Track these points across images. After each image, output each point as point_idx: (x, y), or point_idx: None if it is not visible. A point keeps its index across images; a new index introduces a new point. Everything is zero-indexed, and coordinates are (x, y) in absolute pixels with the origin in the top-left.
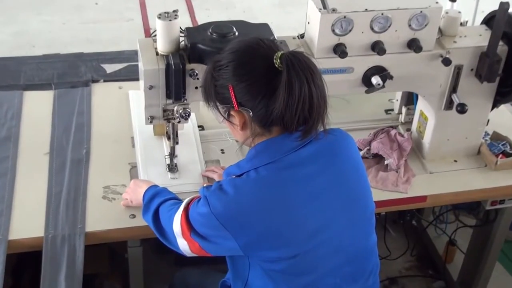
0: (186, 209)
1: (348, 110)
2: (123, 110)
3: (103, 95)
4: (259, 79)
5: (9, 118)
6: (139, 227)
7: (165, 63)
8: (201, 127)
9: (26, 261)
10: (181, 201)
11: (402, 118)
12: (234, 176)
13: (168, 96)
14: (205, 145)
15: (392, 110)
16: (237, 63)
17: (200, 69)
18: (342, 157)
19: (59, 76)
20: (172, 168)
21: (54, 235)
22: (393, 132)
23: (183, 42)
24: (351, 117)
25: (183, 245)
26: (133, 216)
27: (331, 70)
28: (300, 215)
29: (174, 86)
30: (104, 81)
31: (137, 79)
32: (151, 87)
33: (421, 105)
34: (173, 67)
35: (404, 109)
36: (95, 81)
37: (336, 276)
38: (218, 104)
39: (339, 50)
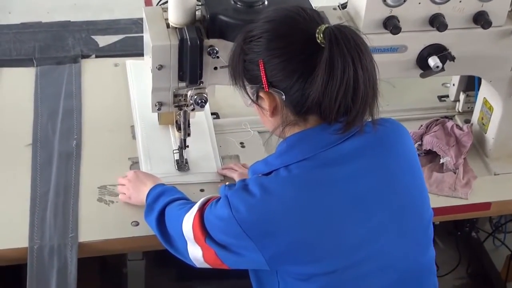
0: (201, 210)
1: (394, 96)
2: (120, 92)
3: (95, 73)
4: (296, 55)
5: None
6: (143, 237)
7: (179, 38)
8: (215, 115)
9: (6, 277)
10: (192, 202)
11: (459, 106)
12: (261, 175)
13: (181, 78)
14: (221, 137)
15: (447, 96)
16: (273, 35)
17: (221, 45)
18: (394, 153)
19: (41, 49)
20: (182, 165)
21: (40, 245)
22: (449, 124)
23: (199, 12)
24: (397, 105)
25: (195, 253)
26: (136, 223)
27: (379, 49)
28: (340, 223)
29: (190, 66)
30: (96, 56)
31: (136, 55)
32: (160, 67)
33: (485, 92)
34: (189, 43)
35: (462, 96)
36: (85, 56)
37: None
38: (246, 83)
39: (391, 25)
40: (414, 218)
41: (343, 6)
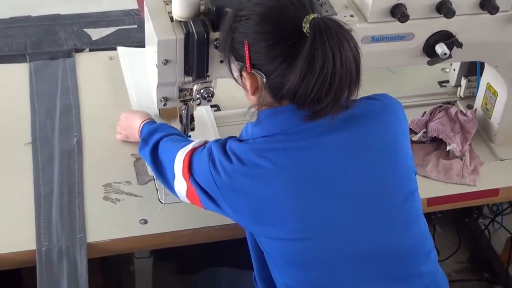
0: (193, 151)
1: (394, 82)
2: (117, 86)
3: (90, 67)
4: (281, 42)
5: None
6: (153, 235)
7: (184, 32)
8: (216, 107)
9: (5, 279)
10: (186, 139)
11: (461, 92)
12: (239, 140)
13: (187, 72)
14: (222, 129)
15: (447, 82)
16: (261, 18)
17: None
18: (370, 129)
19: (33, 44)
20: None
21: (48, 247)
22: (453, 110)
23: (203, 6)
24: (398, 92)
25: (180, 187)
26: (144, 221)
27: (386, 37)
28: (297, 193)
29: (196, 60)
30: (90, 50)
31: (131, 47)
32: (166, 62)
33: (489, 77)
34: (196, 36)
35: (464, 81)
36: (79, 50)
37: (359, 281)
38: (232, 59)
39: (399, 13)
40: (379, 200)
41: None
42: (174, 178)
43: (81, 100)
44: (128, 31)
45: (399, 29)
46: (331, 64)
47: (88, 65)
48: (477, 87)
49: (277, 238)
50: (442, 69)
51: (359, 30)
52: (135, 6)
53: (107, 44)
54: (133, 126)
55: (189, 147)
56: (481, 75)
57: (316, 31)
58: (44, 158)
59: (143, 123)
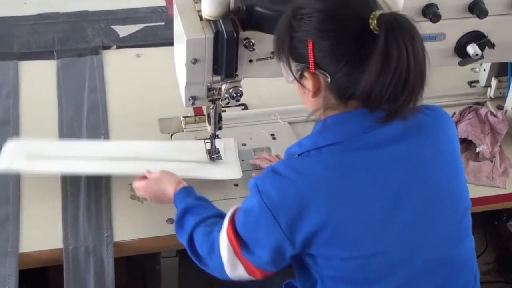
0: (232, 221)
1: None
2: (145, 84)
3: (117, 65)
4: (347, 39)
5: (4, 96)
6: None
7: (214, 31)
8: (243, 106)
9: (32, 277)
10: (218, 213)
11: (491, 92)
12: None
13: (215, 72)
14: (251, 129)
15: (477, 82)
16: (325, 15)
17: (257, 38)
18: (430, 142)
19: (61, 41)
20: (214, 155)
21: (75, 246)
22: (483, 111)
23: (232, 4)
24: (427, 92)
25: (236, 271)
26: (171, 221)
27: None
28: (367, 209)
29: (226, 59)
30: (117, 47)
31: (158, 45)
32: (195, 61)
33: None
34: (225, 36)
35: (494, 82)
36: (106, 47)
37: None
38: (291, 60)
39: (431, 12)
40: (447, 209)
41: None
42: (223, 266)
43: (108, 97)
44: (155, 28)
45: (430, 29)
46: (405, 60)
47: (115, 62)
48: (508, 87)
49: (349, 258)
50: (472, 69)
51: None
52: (162, 3)
53: (135, 41)
54: (164, 194)
55: (225, 224)
56: None
57: (389, 27)
58: None
59: (175, 192)
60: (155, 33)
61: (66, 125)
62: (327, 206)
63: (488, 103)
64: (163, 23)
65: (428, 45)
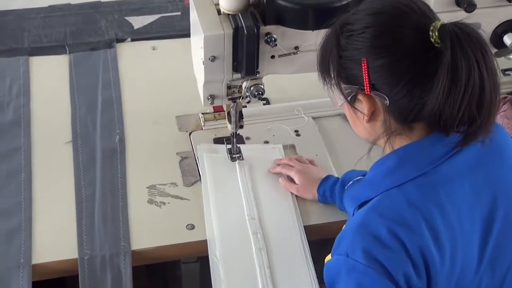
0: None
1: None
2: (161, 79)
3: (132, 59)
4: (406, 55)
5: (15, 95)
6: (199, 242)
7: (233, 26)
8: (265, 100)
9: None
10: None
11: None
12: (364, 202)
13: (235, 69)
14: (273, 125)
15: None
16: (379, 30)
17: (278, 32)
18: (507, 162)
19: (73, 35)
20: (235, 155)
21: (91, 256)
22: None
23: None
24: None
25: None
26: (191, 226)
27: None
28: (463, 243)
29: (246, 56)
30: (132, 40)
31: (174, 36)
32: (213, 59)
33: None
34: (245, 31)
35: None
36: (120, 40)
37: None
38: (340, 82)
39: (465, 2)
40: None
41: None
42: None
43: (123, 94)
44: (171, 19)
45: (465, 19)
46: (477, 75)
47: (130, 56)
48: None
49: None
50: (506, 56)
51: None
52: None
53: (150, 33)
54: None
55: None
56: None
57: (454, 38)
58: (85, 158)
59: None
60: (171, 24)
61: (79, 125)
62: (424, 250)
63: None
64: (179, 13)
65: None
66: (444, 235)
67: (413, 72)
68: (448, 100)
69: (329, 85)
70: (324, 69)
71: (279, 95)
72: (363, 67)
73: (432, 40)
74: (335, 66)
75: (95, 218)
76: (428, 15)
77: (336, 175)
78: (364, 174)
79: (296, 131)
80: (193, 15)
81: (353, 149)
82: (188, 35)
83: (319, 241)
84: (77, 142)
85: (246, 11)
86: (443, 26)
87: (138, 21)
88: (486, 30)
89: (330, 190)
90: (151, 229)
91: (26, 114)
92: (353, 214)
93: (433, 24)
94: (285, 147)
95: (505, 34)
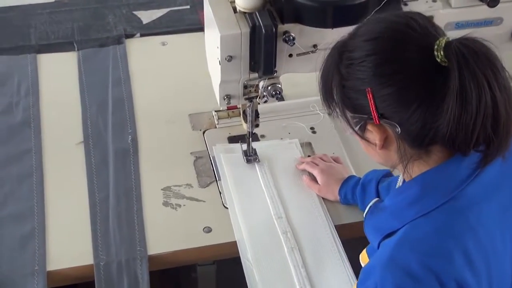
0: None
1: None
2: (172, 75)
3: (142, 55)
4: (413, 81)
5: (23, 95)
6: (217, 245)
7: (250, 25)
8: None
9: None
10: None
11: None
12: (389, 233)
13: (252, 68)
14: (288, 122)
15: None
16: (381, 58)
17: (296, 30)
18: None
19: (81, 30)
20: (251, 156)
21: (107, 261)
22: None
23: None
24: None
25: None
26: (208, 229)
27: (472, 23)
28: (497, 262)
29: (264, 55)
30: (141, 35)
31: (184, 31)
32: (230, 58)
33: None
34: (263, 30)
35: None
36: (129, 35)
37: None
38: (346, 112)
39: None
40: None
41: None
42: None
43: (134, 92)
44: (181, 13)
45: (486, 14)
46: (489, 96)
47: (139, 52)
48: None
49: None
50: None
51: (441, 16)
52: None
53: (159, 28)
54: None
55: None
56: None
57: (460, 59)
58: (98, 159)
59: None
60: (181, 18)
61: (90, 125)
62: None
63: None
64: (188, 7)
65: (483, 31)
66: (478, 259)
67: (422, 97)
68: (459, 125)
69: (335, 114)
70: (328, 97)
71: (293, 90)
72: (369, 98)
73: (438, 59)
74: (339, 95)
75: (110, 222)
76: (430, 31)
77: (354, 173)
78: (387, 173)
79: (312, 128)
80: (208, 12)
81: None
82: (198, 29)
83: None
84: (89, 143)
85: (263, 9)
86: (448, 44)
87: (146, 16)
88: (508, 25)
89: (351, 192)
90: (167, 233)
91: (36, 115)
92: (378, 246)
93: (437, 42)
94: (301, 145)
95: None
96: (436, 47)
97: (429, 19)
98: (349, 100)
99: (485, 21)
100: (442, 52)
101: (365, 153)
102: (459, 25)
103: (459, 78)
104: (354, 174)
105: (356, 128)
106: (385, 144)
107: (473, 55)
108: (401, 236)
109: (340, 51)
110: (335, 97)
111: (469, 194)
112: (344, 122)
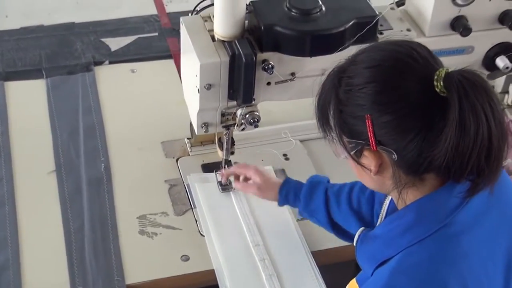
0: None
1: None
2: (142, 102)
3: (111, 82)
4: (412, 110)
5: None
6: (195, 274)
7: (229, 54)
8: None
9: None
10: None
11: (509, 99)
12: (383, 261)
13: (231, 96)
14: (261, 149)
15: (493, 87)
16: (381, 85)
17: (275, 59)
18: (510, 200)
19: (48, 58)
20: (226, 185)
21: None
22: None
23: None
24: None
25: None
26: (186, 257)
27: (445, 52)
28: None
29: (243, 84)
30: (110, 62)
31: (153, 58)
32: (209, 87)
33: None
34: (244, 59)
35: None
36: (98, 63)
37: None
38: (342, 136)
39: (461, 26)
40: None
41: (399, 3)
42: None
43: (105, 119)
44: (149, 40)
45: (459, 43)
46: (486, 128)
47: (109, 79)
48: None
49: None
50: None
51: None
52: (154, 11)
53: (128, 56)
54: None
55: None
56: None
57: (461, 90)
58: (71, 188)
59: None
60: (149, 45)
61: (62, 153)
62: None
63: (506, 110)
64: (156, 34)
65: (454, 60)
66: (473, 285)
67: (421, 126)
68: (456, 155)
69: (330, 138)
70: (324, 122)
71: (265, 117)
72: (368, 124)
73: (437, 90)
74: (336, 120)
75: (86, 252)
76: (430, 62)
77: None
78: (328, 180)
79: (284, 154)
80: (185, 40)
81: (343, 172)
82: (166, 56)
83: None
84: (61, 171)
85: (241, 38)
86: (448, 75)
87: (115, 43)
88: (479, 53)
89: (293, 193)
90: (144, 262)
91: (6, 143)
92: (372, 274)
93: (437, 72)
94: (275, 172)
95: (497, 57)
96: (436, 77)
97: (429, 49)
98: (347, 125)
99: (457, 49)
100: (441, 83)
101: (339, 180)
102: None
103: (459, 109)
104: None
105: (354, 153)
106: (380, 170)
107: (472, 87)
108: (396, 264)
109: (339, 76)
110: (331, 121)
111: (460, 221)
112: (340, 147)
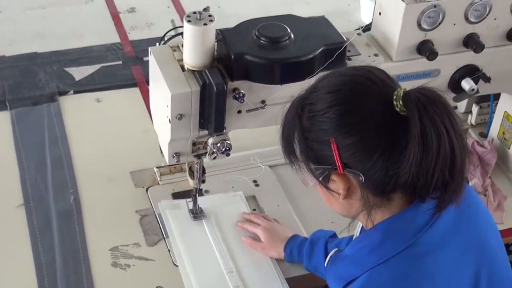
0: None
1: None
2: (110, 132)
3: (77, 112)
4: (375, 130)
5: None
6: None
7: (200, 83)
8: None
9: None
10: None
11: (472, 119)
12: (350, 281)
13: (202, 126)
14: (231, 176)
15: (456, 108)
16: (343, 109)
17: (245, 87)
18: (479, 220)
19: (12, 89)
20: (197, 214)
21: None
22: (468, 141)
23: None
24: None
25: None
26: None
27: (412, 75)
28: None
29: (215, 113)
30: (75, 92)
31: (117, 87)
32: (180, 117)
33: (506, 106)
34: (215, 88)
35: (475, 108)
36: (63, 93)
37: None
38: (309, 163)
39: (427, 50)
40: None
41: (365, 28)
42: None
43: (72, 150)
44: (113, 69)
45: (425, 66)
46: (447, 142)
47: (74, 109)
48: (491, 115)
49: None
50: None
51: (384, 69)
52: (117, 39)
53: (92, 85)
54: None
55: None
56: (494, 102)
57: (420, 107)
58: (40, 221)
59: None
60: (113, 73)
61: (30, 186)
62: None
63: (470, 130)
64: (120, 62)
65: (422, 83)
66: None
67: (385, 145)
68: (420, 170)
69: (297, 167)
70: (289, 151)
71: (234, 144)
72: (333, 148)
73: (397, 109)
74: (302, 148)
75: (58, 285)
76: (388, 83)
77: (299, 224)
78: (333, 234)
79: (254, 181)
80: (155, 71)
81: (313, 196)
82: (131, 85)
83: None
84: (30, 204)
85: (212, 67)
86: (407, 93)
87: (78, 72)
88: (445, 76)
89: (297, 249)
90: None
91: None
92: None
93: (396, 92)
94: (246, 198)
95: (462, 79)
96: (395, 97)
97: (385, 72)
98: (313, 152)
99: (424, 73)
100: (401, 102)
101: (309, 204)
102: (400, 78)
103: (420, 125)
104: (300, 225)
105: (322, 179)
106: (348, 194)
107: (431, 103)
108: (362, 284)
109: (302, 104)
110: (297, 150)
111: (426, 242)
112: (308, 175)
